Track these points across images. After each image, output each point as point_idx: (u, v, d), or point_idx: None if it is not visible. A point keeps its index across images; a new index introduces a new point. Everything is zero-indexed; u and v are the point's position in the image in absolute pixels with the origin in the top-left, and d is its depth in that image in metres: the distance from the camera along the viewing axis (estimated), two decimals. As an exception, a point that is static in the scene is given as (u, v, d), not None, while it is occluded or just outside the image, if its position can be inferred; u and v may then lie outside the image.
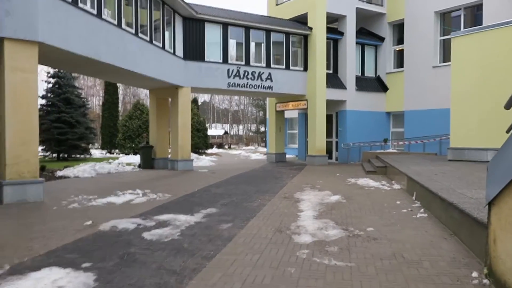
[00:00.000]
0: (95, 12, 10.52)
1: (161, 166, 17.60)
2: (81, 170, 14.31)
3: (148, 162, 17.52)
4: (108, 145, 33.65)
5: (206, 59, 17.23)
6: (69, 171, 13.97)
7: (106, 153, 33.03)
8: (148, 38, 13.81)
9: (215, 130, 64.60)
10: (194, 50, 16.94)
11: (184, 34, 16.61)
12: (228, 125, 73.33)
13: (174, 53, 15.92)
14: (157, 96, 17.96)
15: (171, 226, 6.40)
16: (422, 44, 19.47)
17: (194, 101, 39.97)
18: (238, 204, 8.46)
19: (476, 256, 4.63)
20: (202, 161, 20.78)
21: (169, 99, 17.69)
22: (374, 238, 5.60)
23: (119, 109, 40.01)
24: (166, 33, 15.50)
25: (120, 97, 54.19)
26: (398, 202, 8.35)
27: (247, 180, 13.03)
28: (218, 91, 22.04)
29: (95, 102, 55.30)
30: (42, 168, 14.94)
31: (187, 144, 16.88)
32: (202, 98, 77.02)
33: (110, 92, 34.04)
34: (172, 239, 5.69)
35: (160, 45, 14.79)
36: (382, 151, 19.60)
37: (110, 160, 21.94)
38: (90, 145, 28.57)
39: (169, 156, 17.68)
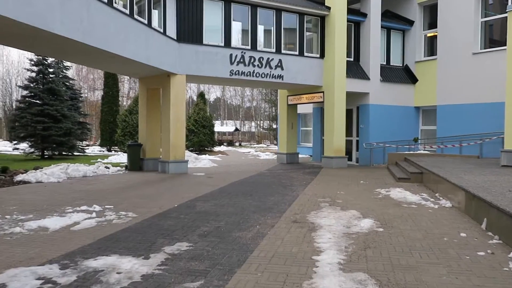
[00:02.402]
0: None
1: (151, 167, 14.94)
2: (49, 173, 11.74)
3: (135, 163, 14.87)
4: (108, 142, 31.26)
5: (204, 41, 14.49)
6: (32, 175, 11.38)
7: (105, 151, 30.74)
8: (127, 11, 11.08)
9: (225, 127, 62.02)
10: (190, 31, 14.20)
11: (178, 12, 13.89)
12: (239, 121, 70.57)
13: (164, 33, 13.23)
14: (147, 86, 15.30)
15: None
16: (459, 28, 16.45)
17: (201, 95, 37.20)
18: (225, 233, 5.76)
19: None
20: (201, 162, 18.02)
21: (161, 90, 15.01)
22: (463, 336, 2.87)
23: (122, 103, 37.65)
24: (155, 9, 12.81)
25: (125, 90, 51.97)
26: (463, 235, 5.57)
27: (248, 189, 10.30)
28: (218, 80, 18.56)
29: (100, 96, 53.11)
30: (4, 170, 12.46)
31: (181, 143, 14.19)
32: (214, 94, 74.69)
33: (110, 84, 31.47)
34: (78, 327, 3.04)
35: (145, 21, 12.08)
36: (411, 152, 16.69)
37: (99, 160, 19.53)
38: (84, 142, 26.10)
39: (161, 156, 15.02)
